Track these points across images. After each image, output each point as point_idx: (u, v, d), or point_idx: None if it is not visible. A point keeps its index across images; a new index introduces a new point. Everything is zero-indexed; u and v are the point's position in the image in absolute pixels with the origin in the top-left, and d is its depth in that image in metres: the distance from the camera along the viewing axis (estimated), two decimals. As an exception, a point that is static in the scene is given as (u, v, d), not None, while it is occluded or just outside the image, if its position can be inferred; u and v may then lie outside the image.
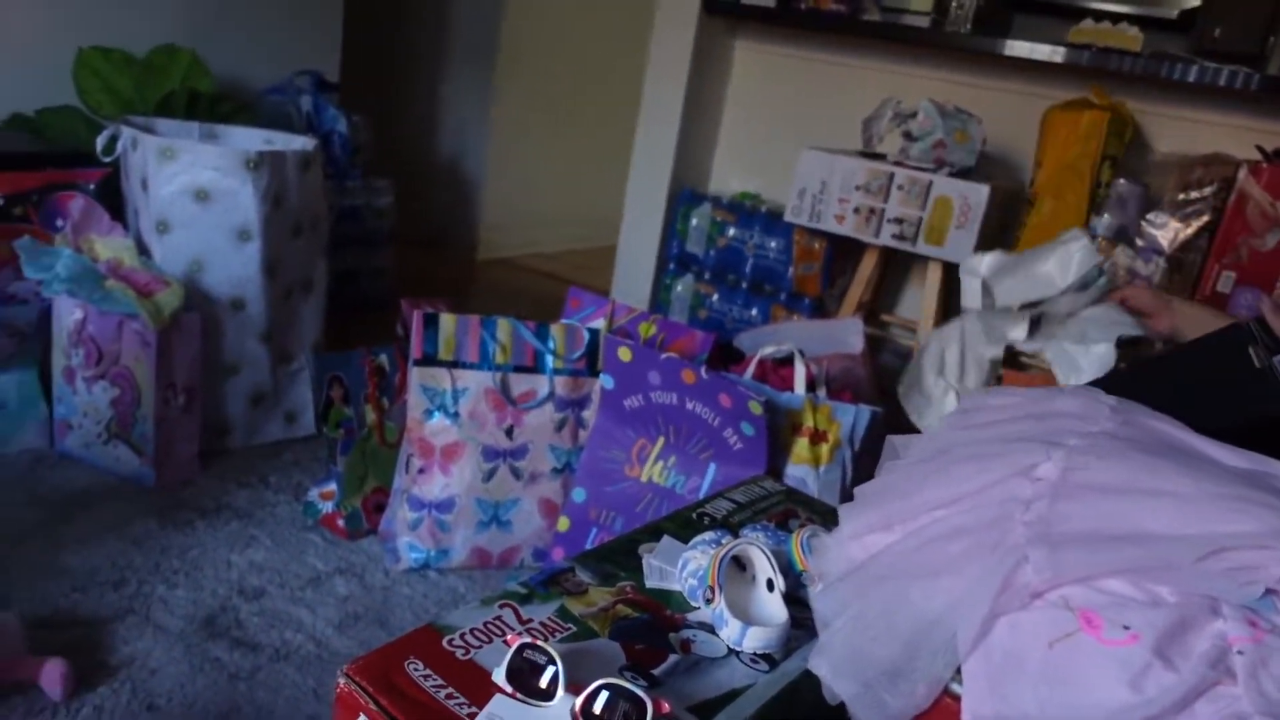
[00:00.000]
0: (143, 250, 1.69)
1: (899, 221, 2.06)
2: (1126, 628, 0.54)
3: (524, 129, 3.75)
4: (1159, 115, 2.10)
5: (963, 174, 2.04)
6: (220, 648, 1.23)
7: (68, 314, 1.61)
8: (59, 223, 1.73)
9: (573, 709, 0.65)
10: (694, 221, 2.50)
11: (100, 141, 1.75)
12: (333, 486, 1.57)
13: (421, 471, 1.46)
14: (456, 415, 1.44)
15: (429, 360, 1.43)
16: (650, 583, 0.89)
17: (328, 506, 1.56)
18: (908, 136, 2.05)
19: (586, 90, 3.97)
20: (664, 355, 1.42)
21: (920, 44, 2.30)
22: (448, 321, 1.44)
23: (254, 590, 1.37)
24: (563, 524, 1.48)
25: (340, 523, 1.54)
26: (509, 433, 1.47)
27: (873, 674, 0.64)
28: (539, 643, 0.69)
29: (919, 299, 2.27)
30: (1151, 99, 2.09)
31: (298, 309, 1.88)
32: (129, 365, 1.58)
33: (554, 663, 0.68)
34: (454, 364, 1.44)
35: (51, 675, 1.09)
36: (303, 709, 1.16)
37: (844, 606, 0.69)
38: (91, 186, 1.79)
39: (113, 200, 1.78)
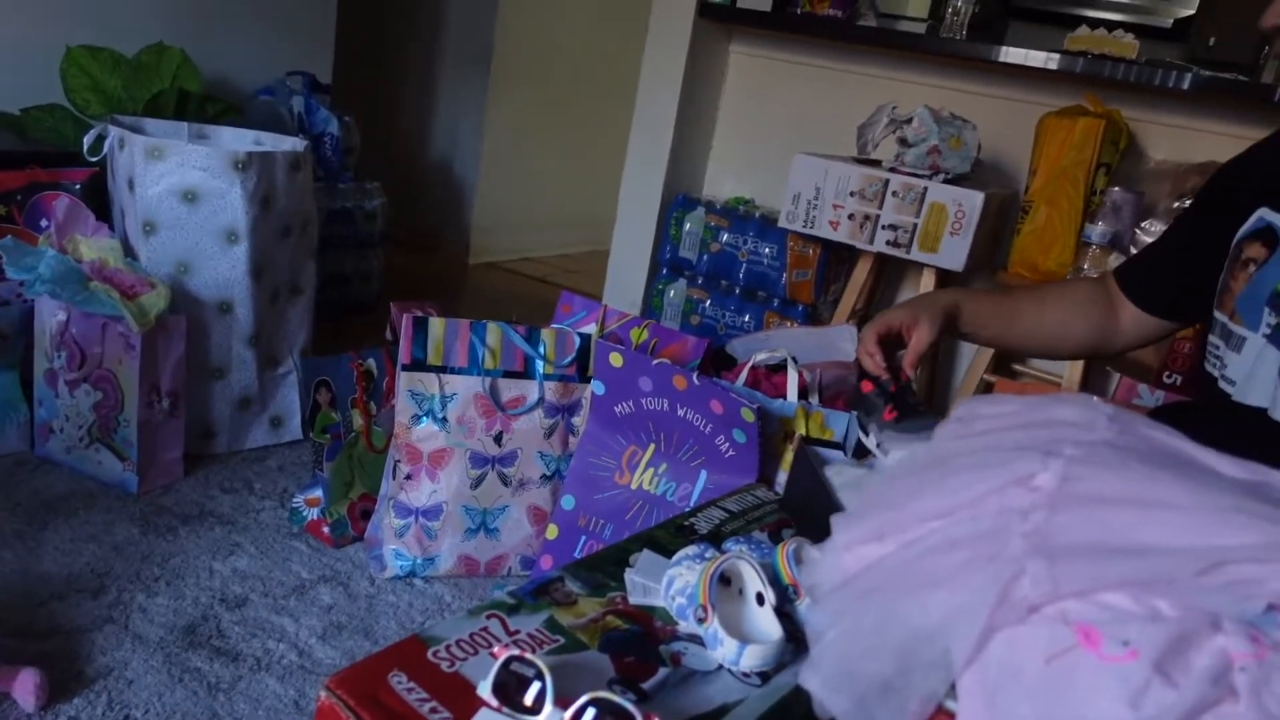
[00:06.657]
0: (129, 252, 1.66)
1: (893, 228, 2.05)
2: (1126, 643, 0.53)
3: (517, 132, 3.74)
4: (1154, 123, 2.09)
5: (957, 180, 2.03)
6: (200, 658, 1.21)
7: (50, 316, 1.59)
8: (44, 223, 1.70)
9: (559, 724, 0.63)
10: (687, 226, 2.49)
11: (87, 141, 1.73)
12: (318, 493, 1.55)
13: (409, 478, 1.43)
14: (445, 421, 1.42)
15: (417, 365, 1.41)
16: (634, 599, 0.87)
17: (313, 513, 1.54)
18: (903, 143, 2.04)
19: (581, 94, 3.96)
20: (655, 361, 1.40)
21: (916, 50, 2.30)
22: (437, 326, 1.42)
23: (236, 599, 1.35)
24: (551, 531, 1.46)
25: (325, 530, 1.52)
26: (498, 439, 1.45)
27: (865, 689, 0.62)
28: (526, 655, 0.67)
29: (913, 306, 2.25)
30: (1146, 107, 2.09)
31: (285, 312, 1.86)
32: (112, 368, 1.56)
33: (541, 677, 0.66)
34: (443, 369, 1.42)
35: (25, 685, 1.06)
36: (284, 720, 1.14)
37: (836, 619, 0.67)
38: (77, 186, 1.76)
39: (99, 200, 1.76)
